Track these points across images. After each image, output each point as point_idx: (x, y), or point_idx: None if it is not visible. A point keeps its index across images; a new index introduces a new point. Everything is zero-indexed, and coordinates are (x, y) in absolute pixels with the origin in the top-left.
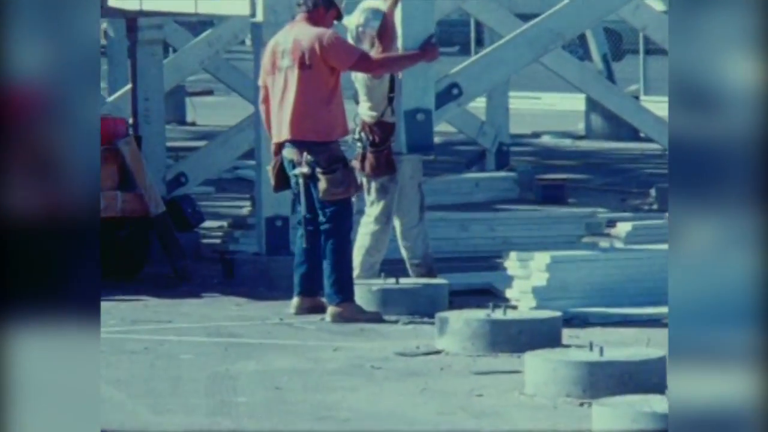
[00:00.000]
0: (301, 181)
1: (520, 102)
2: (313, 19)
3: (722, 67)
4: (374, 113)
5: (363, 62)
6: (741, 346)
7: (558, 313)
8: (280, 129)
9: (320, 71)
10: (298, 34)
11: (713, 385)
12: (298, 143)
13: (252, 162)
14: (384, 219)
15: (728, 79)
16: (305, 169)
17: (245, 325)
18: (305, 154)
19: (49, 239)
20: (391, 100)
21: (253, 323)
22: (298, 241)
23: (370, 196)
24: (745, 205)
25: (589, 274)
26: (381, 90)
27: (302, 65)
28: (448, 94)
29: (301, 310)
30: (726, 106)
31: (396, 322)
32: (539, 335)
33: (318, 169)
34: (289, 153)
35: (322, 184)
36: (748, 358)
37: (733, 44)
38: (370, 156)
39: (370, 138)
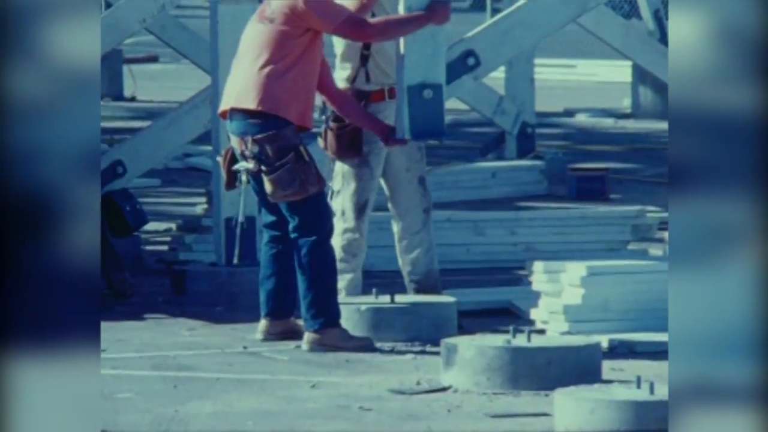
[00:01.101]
0: (243, 178)
1: (548, 71)
2: None
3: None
4: (347, 72)
5: (350, 26)
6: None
7: (596, 340)
8: (225, 95)
9: (284, 29)
10: None
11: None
12: (237, 115)
13: (207, 148)
14: (355, 213)
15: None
16: (250, 165)
17: (199, 355)
18: (249, 143)
19: None
20: (365, 59)
21: (210, 353)
22: (264, 248)
23: (335, 183)
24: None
25: (636, 290)
26: (355, 47)
27: (262, 18)
28: (463, 65)
29: (271, 336)
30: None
31: (391, 351)
32: (573, 367)
33: (262, 167)
34: (234, 141)
35: (267, 186)
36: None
37: None
38: (330, 133)
39: (334, 109)
